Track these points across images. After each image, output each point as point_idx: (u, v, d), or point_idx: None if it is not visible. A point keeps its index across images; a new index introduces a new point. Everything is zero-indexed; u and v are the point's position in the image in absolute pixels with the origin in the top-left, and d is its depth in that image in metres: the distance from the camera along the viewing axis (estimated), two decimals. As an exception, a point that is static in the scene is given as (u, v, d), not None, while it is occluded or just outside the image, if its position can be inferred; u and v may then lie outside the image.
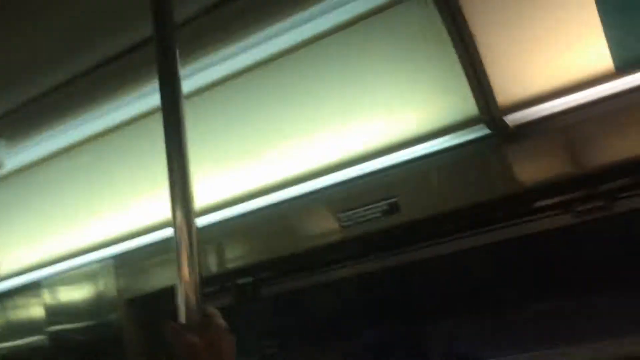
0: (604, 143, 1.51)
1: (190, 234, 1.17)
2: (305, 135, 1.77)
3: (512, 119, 1.52)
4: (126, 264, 2.16)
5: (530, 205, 1.67)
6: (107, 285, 2.17)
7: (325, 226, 1.86)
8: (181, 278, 1.14)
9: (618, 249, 1.68)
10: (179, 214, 1.17)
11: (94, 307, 2.19)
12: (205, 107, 1.83)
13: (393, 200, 1.74)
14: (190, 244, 1.17)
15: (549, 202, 1.65)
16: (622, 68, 1.34)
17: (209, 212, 1.89)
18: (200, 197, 1.91)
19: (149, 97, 1.78)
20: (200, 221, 1.98)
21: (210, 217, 1.93)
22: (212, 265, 2.07)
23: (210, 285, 2.10)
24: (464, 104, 1.48)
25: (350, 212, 1.80)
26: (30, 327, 2.42)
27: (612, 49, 1.33)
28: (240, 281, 2.07)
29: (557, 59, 1.39)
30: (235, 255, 2.03)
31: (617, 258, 1.68)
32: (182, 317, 1.13)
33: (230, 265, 2.03)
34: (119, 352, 2.10)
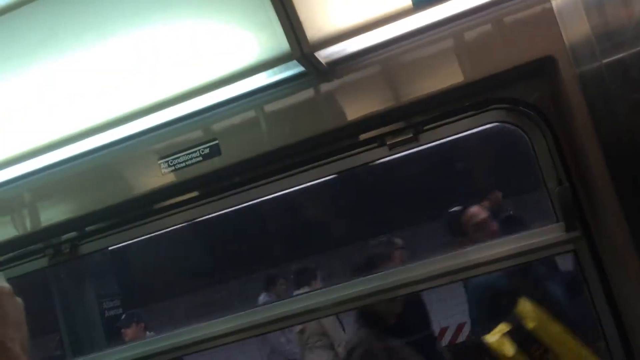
0: (409, 78, 1.59)
1: None
2: (116, 76, 1.64)
3: (324, 55, 1.54)
4: None
5: (349, 141, 1.73)
6: None
7: (145, 174, 1.76)
8: None
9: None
10: None
11: None
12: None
13: (214, 143, 1.69)
14: None
15: (365, 136, 1.71)
16: (419, 3, 1.39)
17: (8, 166, 1.70)
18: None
19: None
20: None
21: (11, 170, 1.74)
22: (24, 224, 1.88)
23: (20, 248, 1.91)
24: (275, 41, 1.46)
25: (171, 158, 1.72)
26: None
27: (410, -16, 1.38)
28: (55, 240, 1.90)
29: (360, -5, 1.41)
30: (46, 213, 1.85)
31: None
32: None
33: (44, 224, 1.85)
34: None
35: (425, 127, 1.67)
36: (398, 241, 3.29)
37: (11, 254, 1.92)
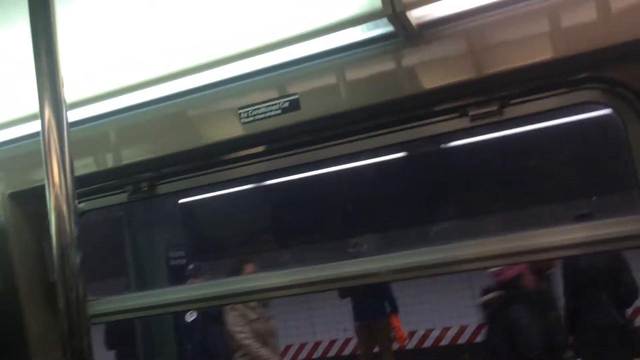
0: (499, 49, 1.53)
1: (60, 130, 1.08)
2: (203, 21, 1.67)
3: (415, 16, 1.50)
4: (7, 156, 2.01)
5: (430, 108, 1.69)
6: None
7: (225, 122, 1.80)
8: (49, 178, 1.07)
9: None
10: (47, 108, 1.08)
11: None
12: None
13: (294, 97, 1.70)
14: (60, 141, 1.08)
15: (447, 105, 1.67)
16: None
17: (97, 101, 1.78)
18: (85, 85, 1.80)
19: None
20: (83, 112, 1.88)
21: (99, 107, 1.82)
22: (108, 160, 1.97)
23: (104, 181, 2.02)
24: (368, -5, 1.43)
25: (251, 108, 1.75)
26: None
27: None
28: (135, 178, 1.98)
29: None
30: (131, 150, 1.93)
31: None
32: (53, 219, 1.07)
33: (125, 161, 1.93)
34: (4, 248, 2.00)
35: (512, 101, 1.61)
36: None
37: (94, 186, 2.02)
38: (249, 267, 5.35)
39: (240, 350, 5.50)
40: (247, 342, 5.44)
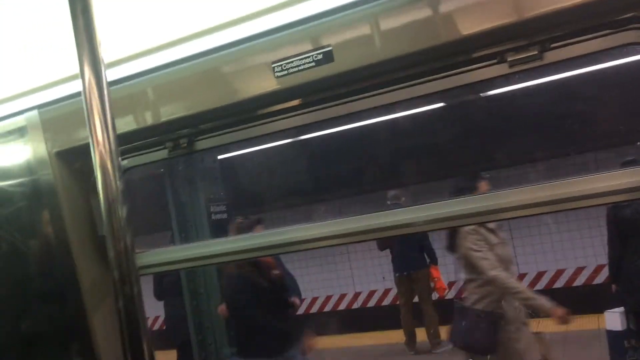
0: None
1: (100, 89, 1.11)
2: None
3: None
4: (52, 116, 2.07)
5: (467, 55, 1.65)
6: (34, 139, 2.09)
7: (259, 76, 1.80)
8: (93, 136, 1.11)
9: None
10: (86, 68, 1.10)
11: (23, 162, 2.13)
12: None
13: (327, 49, 1.68)
14: (101, 100, 1.11)
15: (485, 52, 1.62)
16: None
17: (134, 60, 1.80)
18: (121, 45, 1.82)
19: None
20: (120, 71, 1.91)
21: (134, 66, 1.84)
22: (147, 117, 2.01)
23: (144, 138, 2.06)
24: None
25: (284, 62, 1.74)
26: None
27: None
28: (175, 134, 2.02)
29: None
30: (167, 108, 1.96)
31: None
32: (99, 176, 1.12)
33: (163, 119, 1.97)
34: (54, 205, 2.09)
35: (552, 45, 1.55)
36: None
37: (136, 144, 2.07)
38: (483, 184, 4.96)
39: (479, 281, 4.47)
40: (493, 272, 4.37)
